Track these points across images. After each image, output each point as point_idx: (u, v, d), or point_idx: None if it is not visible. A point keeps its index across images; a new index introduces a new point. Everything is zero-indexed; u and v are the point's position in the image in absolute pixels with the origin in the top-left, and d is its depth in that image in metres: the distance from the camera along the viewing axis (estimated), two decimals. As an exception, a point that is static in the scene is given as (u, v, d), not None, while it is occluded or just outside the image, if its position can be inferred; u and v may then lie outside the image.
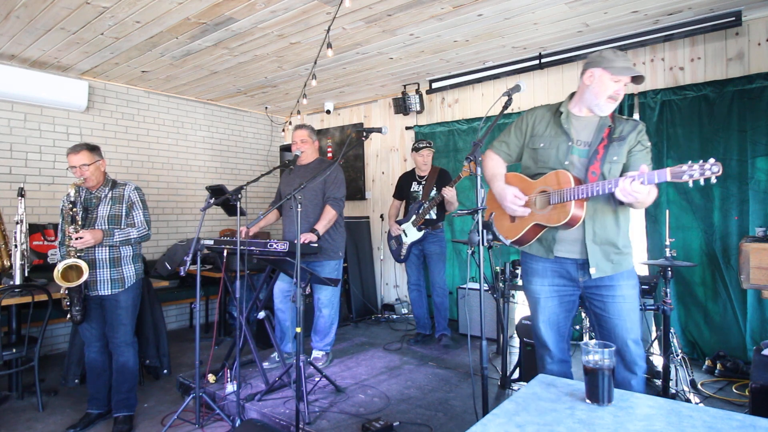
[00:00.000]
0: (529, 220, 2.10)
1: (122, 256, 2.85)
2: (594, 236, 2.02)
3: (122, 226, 2.84)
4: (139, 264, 2.96)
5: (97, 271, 2.77)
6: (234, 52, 4.07)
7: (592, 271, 2.02)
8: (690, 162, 1.67)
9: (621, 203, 1.95)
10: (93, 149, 2.83)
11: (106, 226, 2.80)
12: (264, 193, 6.40)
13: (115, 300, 2.82)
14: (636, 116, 3.92)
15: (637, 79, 2.00)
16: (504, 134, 2.29)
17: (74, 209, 2.69)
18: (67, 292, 2.69)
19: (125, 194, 2.89)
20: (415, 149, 4.20)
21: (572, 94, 2.16)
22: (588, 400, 1.32)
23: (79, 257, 2.65)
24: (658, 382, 3.02)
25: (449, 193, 3.79)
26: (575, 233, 2.03)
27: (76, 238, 2.64)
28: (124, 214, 2.87)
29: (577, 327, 3.06)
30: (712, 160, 1.63)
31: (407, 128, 5.46)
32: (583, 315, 3.10)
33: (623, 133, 2.01)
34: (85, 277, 2.63)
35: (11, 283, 3.29)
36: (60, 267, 2.59)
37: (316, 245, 3.27)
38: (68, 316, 2.72)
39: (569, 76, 4.31)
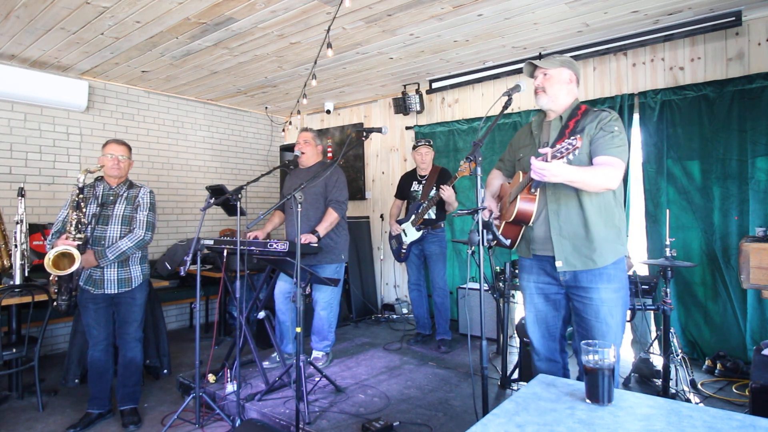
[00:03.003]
0: (503, 220, 2.25)
1: (130, 257, 2.92)
2: (560, 230, 2.06)
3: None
4: (146, 265, 3.04)
5: (105, 270, 2.83)
6: (234, 52, 4.07)
7: (558, 264, 2.06)
8: (563, 142, 1.76)
9: (585, 193, 2.00)
10: (130, 149, 3.01)
11: (119, 227, 2.86)
12: (264, 193, 6.40)
13: (131, 297, 2.92)
14: (636, 116, 3.91)
15: (531, 65, 2.16)
16: (505, 152, 2.46)
17: (80, 195, 2.69)
18: (56, 279, 2.69)
19: (138, 195, 2.98)
20: (414, 147, 4.22)
21: None
22: (588, 400, 1.32)
23: (79, 247, 2.65)
24: (658, 382, 3.02)
25: (446, 193, 3.78)
26: (544, 230, 2.10)
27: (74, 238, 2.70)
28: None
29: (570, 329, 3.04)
30: (575, 138, 1.72)
31: (407, 128, 5.46)
32: None
33: (583, 124, 2.04)
34: (76, 266, 2.61)
35: (11, 283, 3.29)
36: (51, 254, 2.57)
37: (316, 245, 3.27)
38: (54, 303, 2.76)
39: (569, 76, 4.30)
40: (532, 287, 2.22)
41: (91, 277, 2.82)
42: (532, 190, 2.05)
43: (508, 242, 2.17)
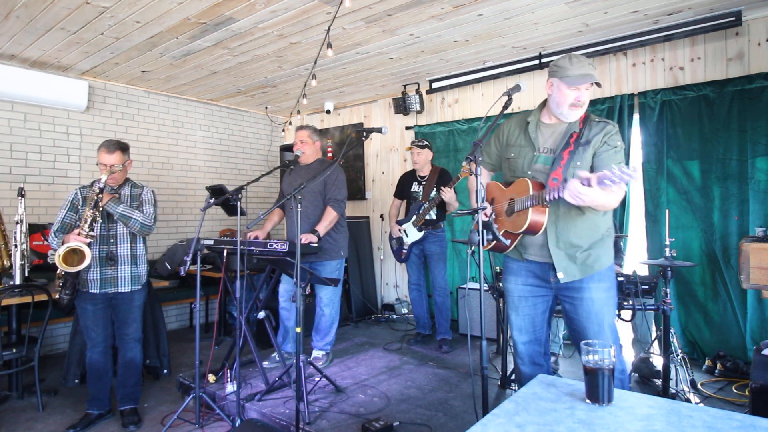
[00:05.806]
0: (501, 228, 2.15)
1: (138, 254, 2.97)
2: (557, 241, 2.04)
3: None
4: (146, 265, 3.06)
5: (119, 268, 2.87)
6: (234, 52, 4.07)
7: (560, 275, 2.04)
8: (613, 167, 1.64)
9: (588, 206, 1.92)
10: (125, 150, 2.91)
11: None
12: (264, 193, 6.39)
13: (131, 298, 2.94)
14: (636, 116, 3.91)
15: (596, 84, 2.02)
16: (486, 144, 2.33)
17: (100, 195, 2.71)
18: (63, 273, 2.70)
19: (141, 194, 3.01)
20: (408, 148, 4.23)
21: (544, 102, 2.17)
22: (588, 400, 1.32)
23: (89, 245, 2.65)
24: (658, 382, 3.02)
25: (447, 195, 3.79)
26: (540, 238, 2.06)
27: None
28: None
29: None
30: (632, 166, 1.61)
31: (407, 128, 5.46)
32: None
33: (589, 136, 2.00)
34: (86, 263, 2.63)
35: (11, 283, 3.29)
36: (61, 250, 2.58)
37: (316, 245, 3.27)
38: (57, 296, 2.76)
39: (569, 76, 4.30)
40: (520, 290, 2.18)
41: (104, 279, 2.83)
42: (545, 204, 1.99)
43: (508, 242, 2.16)
